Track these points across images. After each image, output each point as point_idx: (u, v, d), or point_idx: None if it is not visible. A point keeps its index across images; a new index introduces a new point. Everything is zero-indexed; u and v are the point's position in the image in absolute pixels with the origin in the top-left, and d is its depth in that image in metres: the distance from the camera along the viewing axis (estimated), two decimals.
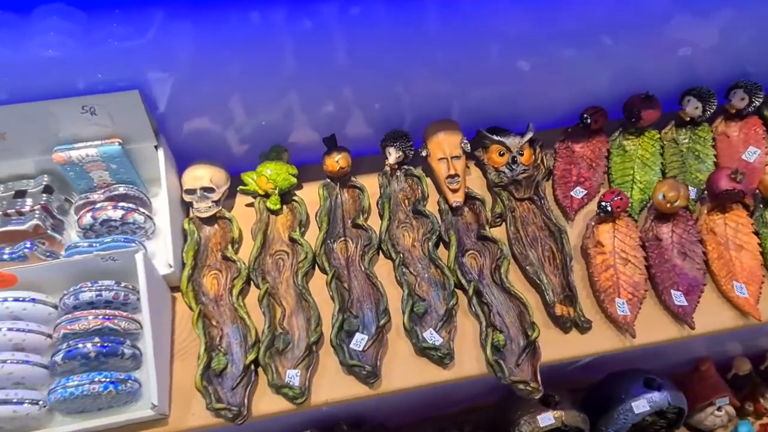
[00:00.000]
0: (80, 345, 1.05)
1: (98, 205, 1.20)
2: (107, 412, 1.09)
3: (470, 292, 1.24)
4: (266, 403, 1.16)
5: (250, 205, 1.41)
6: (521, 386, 1.14)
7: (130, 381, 1.08)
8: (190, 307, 1.23)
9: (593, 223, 1.33)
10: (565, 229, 1.33)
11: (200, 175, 1.32)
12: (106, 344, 1.07)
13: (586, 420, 1.54)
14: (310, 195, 1.40)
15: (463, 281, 1.26)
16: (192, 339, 1.23)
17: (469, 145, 1.39)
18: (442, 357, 1.17)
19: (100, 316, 1.09)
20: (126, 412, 1.10)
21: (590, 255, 1.30)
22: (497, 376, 1.16)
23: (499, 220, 1.38)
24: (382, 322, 1.20)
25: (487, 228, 1.34)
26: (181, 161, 1.38)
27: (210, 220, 1.36)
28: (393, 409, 1.73)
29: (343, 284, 1.28)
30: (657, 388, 1.54)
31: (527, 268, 1.29)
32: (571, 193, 1.41)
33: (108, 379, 1.04)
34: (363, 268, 1.29)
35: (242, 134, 1.41)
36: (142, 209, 1.24)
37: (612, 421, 1.57)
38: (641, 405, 1.51)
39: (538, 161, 1.44)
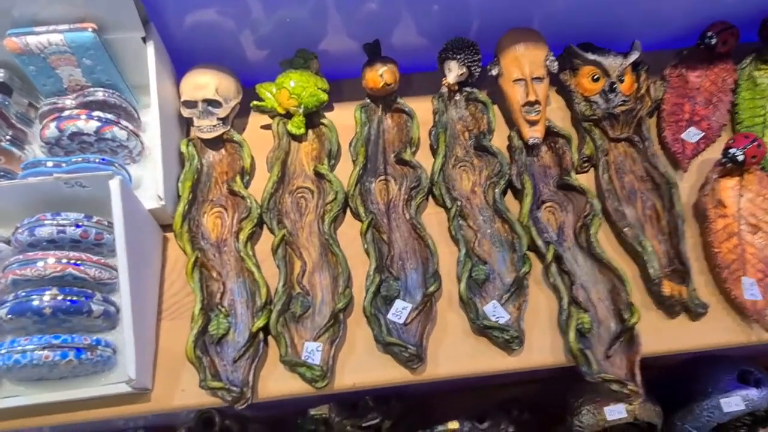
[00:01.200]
0: (33, 297, 0.79)
1: (66, 113, 0.91)
2: (71, 382, 0.84)
3: (548, 257, 0.95)
4: (276, 382, 0.90)
5: (267, 127, 1.11)
6: (615, 387, 0.86)
7: (99, 347, 0.82)
8: (186, 253, 0.96)
9: (714, 176, 1.00)
10: (674, 182, 1.01)
11: (203, 82, 1.01)
12: (67, 298, 0.80)
13: (660, 414, 1.27)
14: (344, 118, 1.10)
15: (539, 242, 0.96)
16: (186, 294, 0.96)
17: (556, 63, 1.05)
18: (508, 340, 0.89)
19: (63, 260, 0.82)
20: (95, 383, 0.84)
21: (708, 218, 0.98)
22: (581, 370, 0.87)
23: (587, 164, 1.07)
24: (430, 288, 0.92)
25: (572, 174, 1.03)
26: (181, 65, 1.07)
27: (215, 143, 1.06)
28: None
29: (381, 236, 0.99)
30: (755, 383, 1.25)
31: (624, 230, 0.98)
32: (683, 135, 1.08)
33: (68, 345, 0.78)
34: (408, 217, 1.00)
35: (260, 34, 1.09)
36: (125, 123, 0.94)
37: (692, 416, 1.29)
38: (734, 403, 1.23)
39: (642, 91, 1.10)
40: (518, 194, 1.03)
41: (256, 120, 1.13)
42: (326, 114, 1.12)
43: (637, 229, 0.98)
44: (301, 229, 1.00)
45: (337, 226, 1.02)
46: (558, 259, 0.96)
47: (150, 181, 0.98)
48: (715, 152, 1.05)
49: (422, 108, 1.11)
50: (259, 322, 0.89)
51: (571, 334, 0.88)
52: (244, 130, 1.13)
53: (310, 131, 1.09)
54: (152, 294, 0.93)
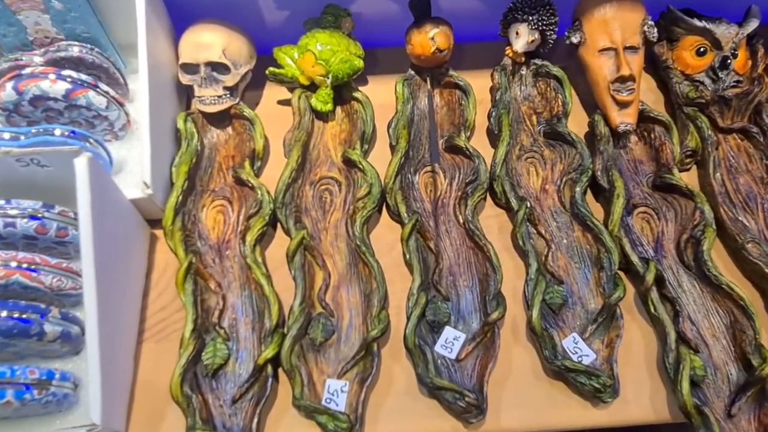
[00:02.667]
0: None
1: (28, 71, 0.70)
2: (16, 425, 0.63)
3: (648, 278, 0.72)
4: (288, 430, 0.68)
5: (286, 102, 0.89)
6: None
7: (53, 382, 0.61)
8: (177, 256, 0.75)
9: None
10: None
11: (207, 41, 0.80)
12: (12, 315, 0.59)
13: None
14: (380, 95, 0.88)
15: (634, 258, 0.74)
16: (177, 308, 0.75)
17: (655, 30, 0.82)
18: (598, 389, 0.67)
19: (10, 263, 0.61)
20: (47, 427, 0.63)
21: None
22: None
23: (689, 161, 0.84)
24: (493, 314, 0.70)
25: (674, 171, 0.80)
26: (183, 23, 0.86)
27: (220, 119, 0.85)
28: None
29: (427, 243, 0.77)
30: None
31: (747, 246, 0.75)
32: None
33: (5, 381, 0.57)
34: (461, 220, 0.78)
35: None
36: (104, 87, 0.73)
37: None
38: None
39: (760, 70, 0.87)
40: (601, 195, 0.81)
41: (272, 92, 0.92)
42: (360, 88, 0.91)
43: (764, 244, 0.75)
44: (325, 230, 0.79)
45: (371, 228, 0.81)
46: (659, 281, 0.73)
47: (136, 164, 0.77)
48: None
49: (480, 83, 0.89)
50: (268, 352, 0.68)
51: (684, 385, 0.66)
52: (258, 104, 0.91)
53: (338, 108, 0.88)
54: (131, 308, 0.72)
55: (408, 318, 0.70)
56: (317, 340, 0.71)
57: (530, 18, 0.82)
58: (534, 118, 0.87)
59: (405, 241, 0.75)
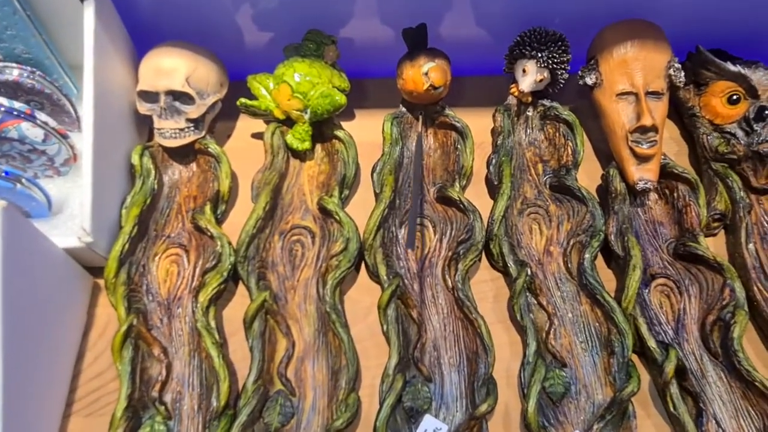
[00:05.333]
0: None
1: None
2: None
3: (668, 368, 0.61)
4: None
5: (262, 136, 0.79)
6: None
7: None
8: (118, 316, 0.64)
9: None
10: None
11: (169, 67, 0.70)
12: None
13: None
14: (371, 130, 0.78)
15: (651, 342, 0.63)
16: (114, 376, 0.64)
17: (682, 74, 0.72)
18: None
19: None
20: None
21: None
22: None
23: (717, 225, 0.73)
24: (481, 407, 0.58)
25: (699, 239, 0.69)
26: (149, 44, 0.76)
27: (183, 155, 0.75)
28: None
29: (410, 311, 0.66)
30: None
31: None
32: None
33: None
34: (450, 284, 0.67)
35: (260, 8, 0.78)
36: (43, 117, 0.63)
37: None
38: None
39: None
40: (613, 261, 0.70)
41: (247, 125, 0.82)
42: (344, 124, 0.81)
43: None
44: (293, 290, 0.68)
45: (346, 288, 0.70)
46: (679, 372, 0.62)
47: (79, 205, 0.67)
48: None
49: (480, 124, 0.79)
50: None
51: None
52: (229, 137, 0.81)
53: (318, 146, 0.77)
54: (57, 376, 0.62)
55: (381, 404, 0.59)
56: (272, 425, 0.60)
57: (539, 54, 0.72)
58: (540, 166, 0.76)
59: (382, 310, 0.64)
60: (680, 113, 0.80)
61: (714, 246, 0.73)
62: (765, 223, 0.72)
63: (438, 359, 0.64)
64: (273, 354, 0.64)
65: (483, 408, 0.58)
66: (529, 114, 0.78)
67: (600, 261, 0.72)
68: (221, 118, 0.80)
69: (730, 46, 0.82)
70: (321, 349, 0.65)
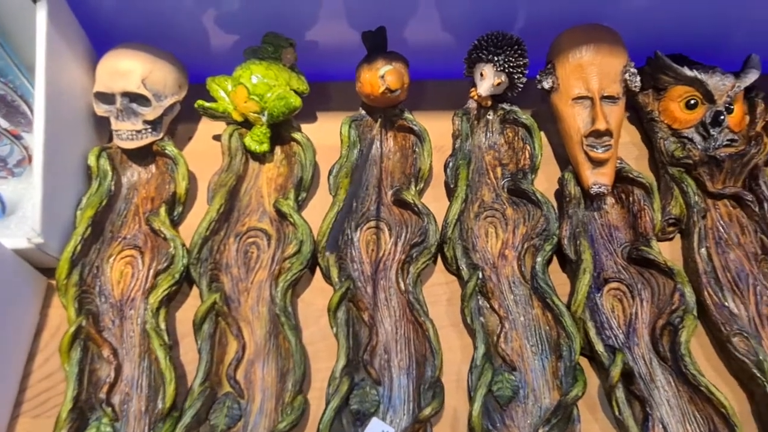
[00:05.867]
0: None
1: None
2: None
3: (614, 373, 0.61)
4: None
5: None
6: None
7: None
8: (68, 317, 0.64)
9: None
10: None
11: (125, 69, 0.70)
12: None
13: None
14: (330, 134, 0.78)
15: (599, 347, 0.63)
16: (63, 379, 0.64)
17: (638, 79, 0.72)
18: None
19: None
20: None
21: None
22: None
23: (672, 229, 0.73)
24: (425, 410, 0.59)
25: (652, 243, 0.69)
26: (109, 46, 0.76)
27: (142, 156, 0.75)
28: None
29: (362, 313, 0.66)
30: None
31: (733, 340, 0.64)
32: None
33: None
34: (404, 287, 0.67)
35: (225, 10, 0.78)
36: None
37: None
38: None
39: (758, 128, 0.76)
40: (568, 266, 0.70)
41: (208, 127, 0.82)
42: (306, 126, 0.81)
43: (754, 339, 0.63)
44: (246, 292, 0.68)
45: (301, 291, 0.70)
46: (627, 376, 0.62)
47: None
48: None
49: (437, 128, 0.79)
50: None
51: None
52: (191, 139, 0.81)
53: (278, 149, 0.78)
54: (7, 376, 0.62)
55: (326, 406, 0.59)
56: (218, 427, 0.60)
57: (496, 58, 0.72)
58: (499, 170, 0.76)
59: (332, 313, 0.64)
60: (639, 118, 0.81)
61: (670, 250, 0.73)
62: (721, 227, 0.72)
63: (388, 362, 0.64)
64: (223, 356, 0.64)
65: (427, 411, 0.58)
66: (490, 118, 0.79)
67: (556, 266, 0.72)
68: (183, 119, 0.80)
69: (693, 51, 0.82)
70: (272, 351, 0.65)
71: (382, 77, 0.71)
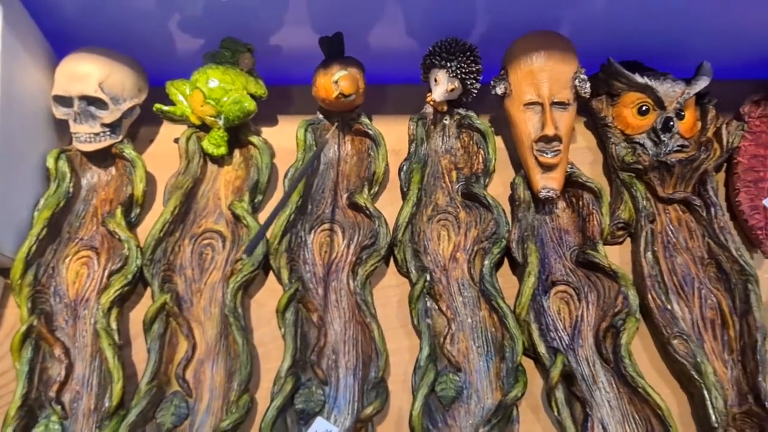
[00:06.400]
0: None
1: None
2: None
3: (553, 374, 0.62)
4: None
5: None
6: None
7: None
8: (21, 317, 0.65)
9: None
10: (752, 272, 0.68)
11: (82, 72, 0.71)
12: None
13: None
14: (291, 138, 0.79)
15: (541, 348, 0.64)
16: (15, 378, 0.65)
17: (588, 85, 0.73)
18: None
19: None
20: None
21: None
22: None
23: (622, 233, 0.74)
24: (367, 410, 0.60)
25: (599, 247, 0.70)
26: (69, 50, 0.77)
27: (101, 158, 0.76)
28: None
29: (311, 314, 0.67)
30: None
31: (673, 342, 0.65)
32: (766, 201, 0.75)
33: None
34: (352, 288, 0.68)
35: (189, 15, 0.79)
36: None
37: None
38: None
39: (709, 134, 0.77)
40: (517, 269, 0.71)
41: (170, 130, 0.83)
42: (267, 130, 0.82)
43: (693, 342, 0.64)
44: (199, 293, 0.69)
45: (253, 293, 0.71)
46: (568, 378, 0.63)
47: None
48: None
49: (400, 132, 0.80)
50: None
51: None
52: (152, 143, 0.83)
53: (236, 152, 0.79)
54: None
55: (272, 401, 0.60)
56: (165, 426, 0.61)
57: (449, 64, 0.73)
58: (454, 174, 0.78)
59: (280, 313, 0.66)
60: (596, 124, 0.82)
61: (620, 254, 0.74)
62: (670, 232, 0.73)
63: (336, 362, 0.65)
64: (173, 356, 0.65)
65: (368, 411, 0.59)
66: (446, 122, 0.80)
67: (507, 270, 0.73)
68: (145, 123, 0.81)
69: (652, 58, 0.83)
70: (222, 351, 0.66)
71: (336, 82, 0.72)
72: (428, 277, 0.68)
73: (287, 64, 0.87)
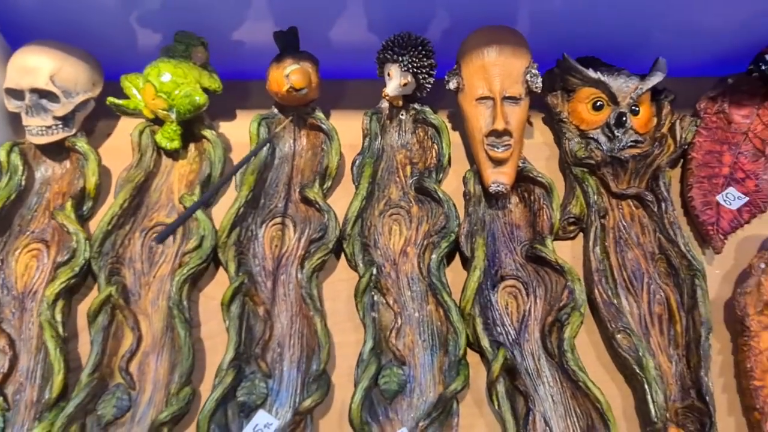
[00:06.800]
0: None
1: None
2: None
3: (495, 367, 0.62)
4: None
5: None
6: None
7: None
8: None
9: (762, 266, 0.67)
10: (700, 268, 0.68)
11: (33, 65, 0.71)
12: None
13: None
14: (246, 132, 0.78)
15: (485, 342, 0.64)
16: None
17: (540, 80, 0.73)
18: None
19: None
20: None
21: (748, 329, 0.65)
22: None
23: (573, 228, 0.74)
24: (306, 402, 0.60)
25: (547, 241, 0.70)
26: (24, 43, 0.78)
27: (56, 151, 0.77)
28: None
29: (257, 307, 0.67)
30: None
31: (617, 337, 0.65)
32: (719, 197, 0.75)
33: None
34: (299, 281, 0.68)
35: (149, 10, 0.79)
36: None
37: None
38: None
39: (664, 130, 0.77)
40: (466, 263, 0.71)
41: (128, 125, 0.83)
42: (225, 124, 0.83)
43: (636, 336, 0.64)
44: (148, 285, 0.69)
45: (203, 286, 0.71)
46: (511, 372, 0.63)
47: None
48: (764, 227, 0.72)
49: (350, 127, 0.80)
50: (39, 429, 0.58)
51: None
52: (109, 137, 0.83)
53: (191, 146, 0.79)
54: None
55: (211, 392, 0.60)
56: (105, 417, 0.61)
57: (401, 59, 0.73)
58: (408, 168, 0.78)
59: (225, 306, 0.66)
60: (553, 120, 0.82)
61: (572, 249, 0.74)
62: (622, 227, 0.73)
63: (281, 355, 0.65)
64: (117, 348, 0.65)
65: (307, 403, 0.59)
66: (403, 117, 0.80)
67: (458, 265, 0.73)
68: (102, 117, 0.81)
69: (611, 53, 0.83)
70: (167, 344, 0.66)
71: (287, 76, 0.72)
72: (374, 271, 0.68)
73: (247, 59, 0.87)
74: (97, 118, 0.81)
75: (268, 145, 0.76)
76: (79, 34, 0.78)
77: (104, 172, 0.78)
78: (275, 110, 0.79)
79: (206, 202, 0.72)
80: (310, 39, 0.80)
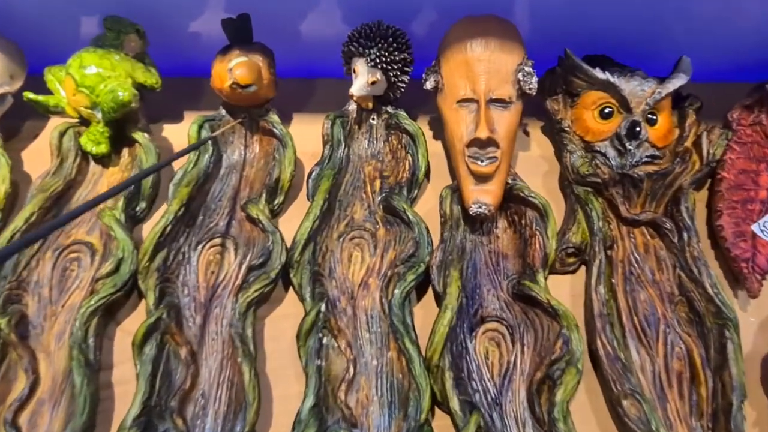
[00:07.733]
0: None
1: None
2: None
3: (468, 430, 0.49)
4: None
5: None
6: None
7: None
8: None
9: None
10: (732, 317, 0.54)
11: None
12: None
13: None
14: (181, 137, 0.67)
15: (453, 402, 0.51)
16: None
17: (534, 80, 0.60)
18: None
19: None
20: None
21: None
22: None
23: (574, 260, 0.61)
24: None
25: (539, 277, 0.57)
26: None
27: None
28: None
29: (179, 348, 0.55)
30: None
31: (623, 403, 0.51)
32: (755, 227, 0.61)
33: None
34: (231, 317, 0.56)
35: None
36: None
37: None
38: None
39: (688, 143, 0.64)
40: (438, 301, 0.58)
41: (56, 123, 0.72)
42: (172, 127, 0.71)
43: (648, 402, 0.50)
44: (54, 317, 0.57)
45: (122, 319, 0.59)
46: None
47: None
48: None
49: (310, 132, 0.68)
50: None
51: None
52: (36, 138, 0.72)
53: (125, 151, 0.67)
54: None
55: None
56: None
57: (368, 52, 0.61)
58: (378, 183, 0.65)
59: (136, 347, 0.53)
60: (553, 129, 0.69)
61: (572, 286, 0.61)
62: (634, 261, 0.60)
63: (204, 409, 0.53)
64: (6, 394, 0.54)
65: None
66: (374, 122, 0.67)
67: (429, 302, 0.60)
68: (30, 116, 0.71)
69: (626, 52, 0.70)
70: (67, 391, 0.54)
71: (230, 70, 0.61)
72: (322, 308, 0.55)
73: (202, 53, 0.76)
74: (23, 118, 0.71)
75: (211, 151, 0.64)
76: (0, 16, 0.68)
77: (24, 179, 0.67)
78: (223, 111, 0.67)
79: (63, 224, 0.59)
80: (273, 31, 0.69)
